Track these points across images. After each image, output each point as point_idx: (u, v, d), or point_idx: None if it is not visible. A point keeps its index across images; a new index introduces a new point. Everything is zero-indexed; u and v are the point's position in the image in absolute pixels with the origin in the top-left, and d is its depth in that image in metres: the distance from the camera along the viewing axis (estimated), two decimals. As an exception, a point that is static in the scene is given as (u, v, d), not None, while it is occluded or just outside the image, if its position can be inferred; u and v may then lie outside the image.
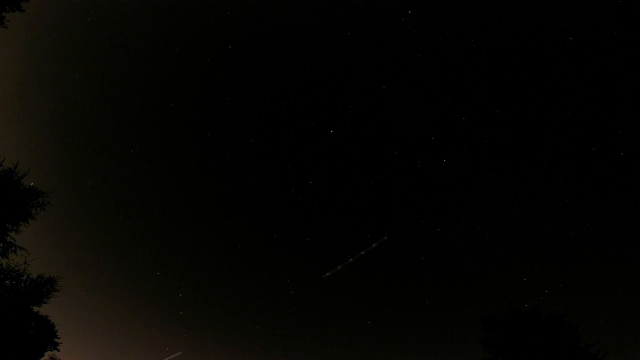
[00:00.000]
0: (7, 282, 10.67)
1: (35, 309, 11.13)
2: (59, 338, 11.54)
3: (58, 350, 11.56)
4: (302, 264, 32.39)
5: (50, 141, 30.45)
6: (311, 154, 31.28)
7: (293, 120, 31.05)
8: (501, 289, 29.20)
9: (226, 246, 33.16)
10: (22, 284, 10.76)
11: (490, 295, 29.62)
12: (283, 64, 29.80)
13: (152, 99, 30.45)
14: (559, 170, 28.21)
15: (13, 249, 10.81)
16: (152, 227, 32.72)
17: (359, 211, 32.52)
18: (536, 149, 28.37)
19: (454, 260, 30.12)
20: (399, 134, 30.34)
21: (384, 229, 32.19)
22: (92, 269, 32.28)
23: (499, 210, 29.16)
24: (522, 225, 29.01)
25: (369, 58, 29.10)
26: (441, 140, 28.98)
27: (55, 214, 28.57)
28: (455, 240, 30.01)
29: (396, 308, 31.25)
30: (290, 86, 30.34)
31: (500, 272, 29.37)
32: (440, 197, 30.65)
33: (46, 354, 11.50)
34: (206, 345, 32.05)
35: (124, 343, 31.99)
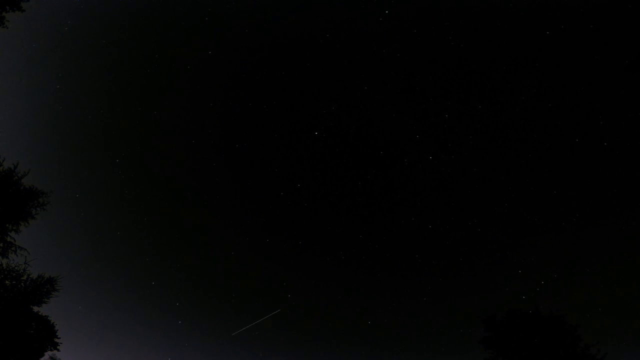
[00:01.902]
0: (7, 282, 10.68)
1: (35, 309, 11.15)
2: (59, 338, 11.55)
3: (58, 350, 11.57)
4: (297, 266, 32.41)
5: (50, 141, 30.46)
6: (297, 157, 31.36)
7: (277, 124, 31.13)
8: (497, 282, 29.40)
9: (219, 253, 33.03)
10: (22, 284, 10.76)
11: (487, 290, 29.77)
12: (263, 67, 29.87)
13: (134, 107, 30.38)
14: (545, 163, 28.62)
15: (13, 249, 10.82)
16: (142, 237, 32.59)
17: (349, 212, 32.61)
18: (521, 142, 28.81)
19: (449, 257, 30.27)
20: (383, 133, 30.55)
21: (375, 229, 32.35)
22: (92, 271, 32.25)
23: (489, 204, 29.38)
24: (513, 219, 29.29)
25: (348, 59, 29.22)
26: (426, 138, 29.22)
27: (55, 214, 28.57)
28: (447, 237, 30.16)
29: (395, 307, 31.30)
30: (272, 90, 30.39)
31: (495, 266, 29.62)
32: (429, 195, 30.85)
33: (46, 354, 11.51)
34: (208, 354, 32.01)
35: (125, 345, 31.97)
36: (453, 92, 28.37)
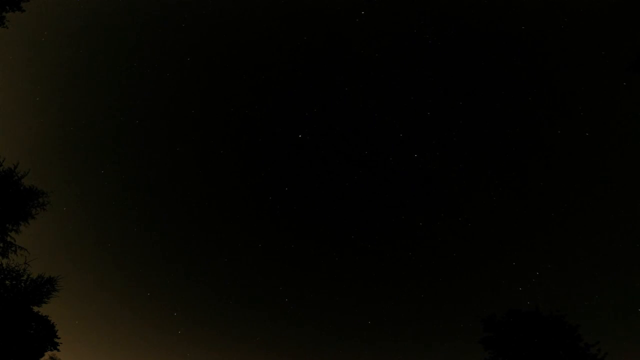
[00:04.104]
0: (7, 282, 10.68)
1: (35, 309, 11.15)
2: (59, 338, 11.56)
3: (58, 350, 11.57)
4: (291, 270, 32.32)
5: (50, 142, 30.43)
6: (283, 160, 31.32)
7: (260, 128, 31.11)
8: (493, 275, 29.53)
9: (213, 260, 32.92)
10: (22, 284, 10.76)
11: (483, 284, 29.87)
12: (243, 72, 29.84)
13: (116, 117, 30.28)
14: (530, 155, 29.01)
15: (13, 249, 10.82)
16: (134, 249, 32.47)
17: (339, 213, 32.61)
18: (504, 136, 29.18)
19: (442, 253, 30.37)
20: (367, 133, 30.68)
21: (366, 228, 32.37)
22: (91, 273, 32.19)
23: (477, 199, 29.56)
24: (502, 212, 29.48)
25: (328, 61, 29.33)
26: (410, 136, 29.38)
27: (54, 214, 28.54)
28: (439, 233, 30.29)
29: (393, 306, 31.31)
30: (253, 94, 30.37)
31: (489, 260, 29.73)
32: (417, 192, 30.96)
33: (46, 354, 11.52)
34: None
35: (126, 346, 31.87)
36: (433, 90, 28.64)
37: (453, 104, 28.34)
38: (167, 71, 29.15)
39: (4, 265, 10.70)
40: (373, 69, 29.02)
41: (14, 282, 10.73)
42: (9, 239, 10.80)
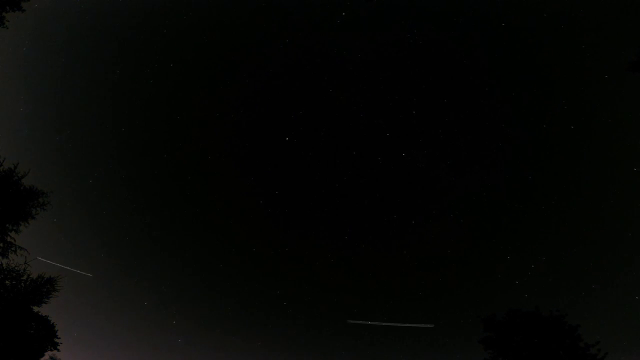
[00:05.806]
0: (7, 282, 10.68)
1: (35, 309, 11.15)
2: (59, 338, 11.56)
3: (58, 350, 11.58)
4: (287, 273, 32.30)
5: (50, 141, 30.42)
6: (271, 163, 31.31)
7: (246, 132, 31.09)
8: (489, 271, 29.58)
9: (208, 267, 32.76)
10: (22, 284, 10.76)
11: (479, 279, 29.89)
12: (227, 77, 29.82)
13: (103, 123, 30.21)
14: (518, 150, 29.22)
15: (13, 249, 10.82)
16: (131, 251, 32.38)
17: (330, 214, 32.59)
18: (490, 132, 29.36)
19: (436, 250, 30.42)
20: (354, 133, 30.72)
21: (359, 229, 32.36)
22: (91, 273, 32.14)
23: (467, 195, 29.67)
24: (494, 207, 29.62)
25: (311, 63, 29.37)
26: (396, 135, 29.49)
27: (54, 215, 28.54)
28: (432, 231, 30.37)
29: (392, 305, 31.30)
30: (237, 99, 30.34)
31: (483, 255, 29.81)
32: (408, 191, 31.00)
33: (46, 354, 11.52)
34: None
35: (125, 346, 31.83)
36: (418, 88, 28.78)
37: (438, 102, 28.50)
38: (150, 78, 29.07)
39: (4, 265, 10.70)
40: (357, 70, 29.17)
41: (14, 282, 10.73)
42: (9, 239, 10.80)
